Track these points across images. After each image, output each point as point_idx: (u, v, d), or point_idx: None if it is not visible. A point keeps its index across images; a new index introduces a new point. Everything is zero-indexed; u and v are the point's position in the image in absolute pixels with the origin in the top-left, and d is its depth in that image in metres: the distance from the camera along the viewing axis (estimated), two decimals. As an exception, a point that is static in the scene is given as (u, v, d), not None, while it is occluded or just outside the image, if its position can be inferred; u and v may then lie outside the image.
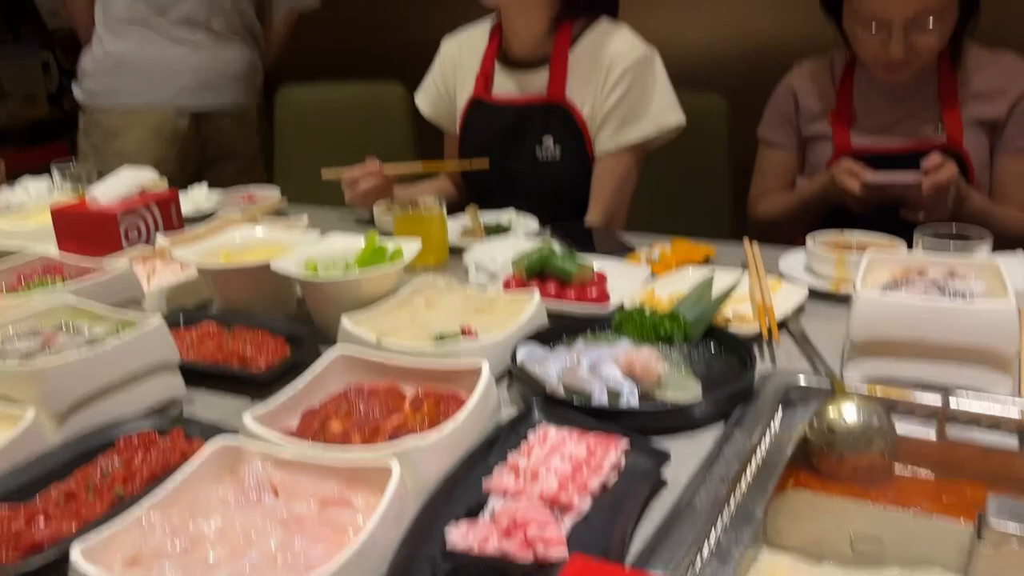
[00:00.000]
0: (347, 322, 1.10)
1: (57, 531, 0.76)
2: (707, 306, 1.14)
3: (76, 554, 0.67)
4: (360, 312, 1.14)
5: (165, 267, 1.41)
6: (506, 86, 1.86)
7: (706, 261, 1.43)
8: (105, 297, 1.15)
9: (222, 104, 2.60)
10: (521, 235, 1.56)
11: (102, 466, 0.86)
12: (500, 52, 1.88)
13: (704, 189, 2.28)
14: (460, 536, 0.75)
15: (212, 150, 2.65)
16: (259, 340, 1.16)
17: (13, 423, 0.89)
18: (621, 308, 1.18)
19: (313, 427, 0.92)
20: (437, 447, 0.83)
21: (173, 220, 1.66)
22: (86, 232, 1.57)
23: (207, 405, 1.07)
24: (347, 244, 1.31)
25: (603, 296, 1.23)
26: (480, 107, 1.88)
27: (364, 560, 0.69)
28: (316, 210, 1.84)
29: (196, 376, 1.09)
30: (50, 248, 1.53)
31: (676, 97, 1.80)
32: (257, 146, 2.79)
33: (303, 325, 1.20)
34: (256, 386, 1.08)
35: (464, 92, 1.92)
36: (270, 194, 1.91)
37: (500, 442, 0.89)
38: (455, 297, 1.22)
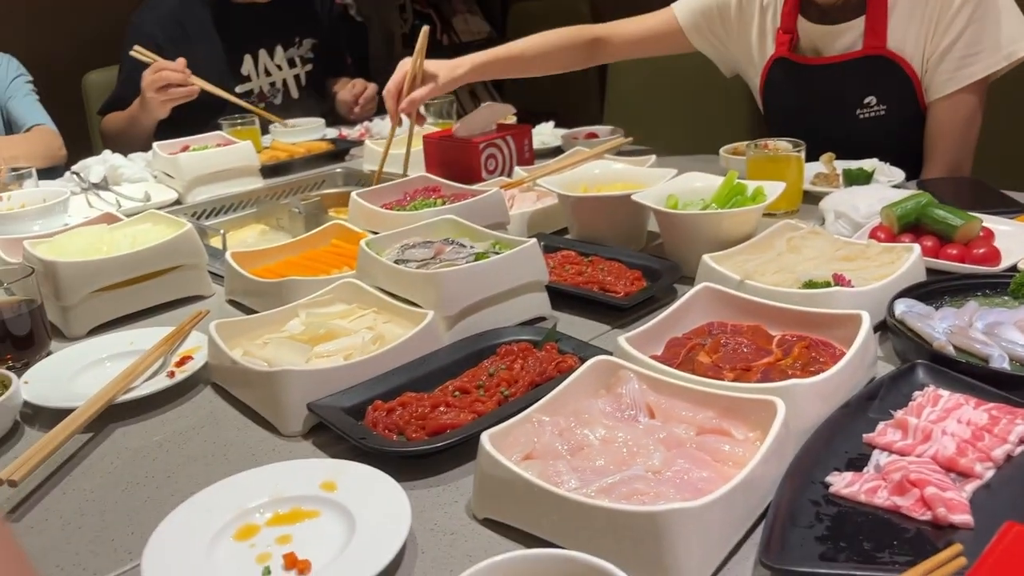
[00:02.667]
0: (708, 259, 1.09)
1: (457, 419, 0.85)
2: None
3: (486, 440, 0.73)
4: (720, 251, 1.13)
5: (523, 195, 1.50)
6: (813, 42, 1.66)
7: (1119, 225, 1.23)
8: (477, 218, 1.25)
9: None
10: (886, 184, 1.44)
11: (488, 368, 0.94)
12: (803, 2, 1.66)
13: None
14: (844, 484, 0.73)
15: None
16: (616, 270, 1.19)
17: (414, 322, 1.00)
18: (1016, 269, 1.06)
19: (679, 356, 0.93)
20: (818, 391, 0.80)
21: (525, 153, 1.75)
22: (452, 159, 1.71)
23: (567, 325, 1.12)
24: (705, 183, 1.29)
25: (993, 255, 1.11)
26: (785, 67, 1.69)
27: (750, 491, 0.69)
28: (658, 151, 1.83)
29: (558, 297, 1.15)
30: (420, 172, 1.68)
31: None
32: None
33: (658, 259, 1.21)
34: (616, 312, 1.11)
35: (759, 50, 1.73)
36: (609, 131, 1.94)
37: (881, 397, 0.84)
38: (820, 243, 1.16)
